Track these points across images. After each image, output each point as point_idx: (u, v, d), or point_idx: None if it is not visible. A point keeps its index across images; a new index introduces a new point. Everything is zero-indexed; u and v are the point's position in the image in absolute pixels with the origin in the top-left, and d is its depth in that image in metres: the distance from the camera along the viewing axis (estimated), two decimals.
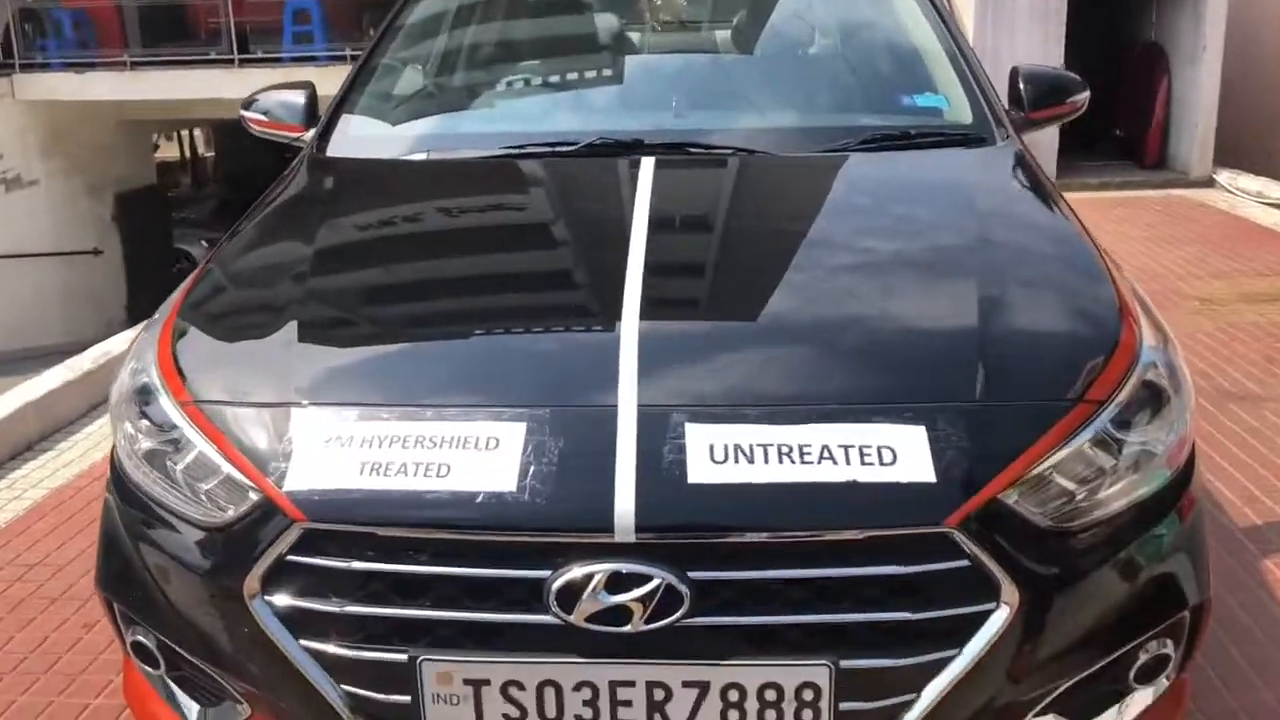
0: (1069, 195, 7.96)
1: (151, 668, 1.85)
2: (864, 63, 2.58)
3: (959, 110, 2.62)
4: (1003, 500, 1.57)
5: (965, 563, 1.54)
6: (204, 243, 14.20)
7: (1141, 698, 1.75)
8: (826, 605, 1.54)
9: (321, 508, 1.57)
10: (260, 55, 11.67)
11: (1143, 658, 1.72)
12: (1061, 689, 1.65)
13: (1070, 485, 1.63)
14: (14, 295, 11.78)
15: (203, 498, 1.71)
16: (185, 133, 21.04)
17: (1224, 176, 9.06)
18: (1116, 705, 1.74)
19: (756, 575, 1.53)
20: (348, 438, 1.63)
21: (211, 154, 21.49)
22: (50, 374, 4.43)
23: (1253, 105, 9.60)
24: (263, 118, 2.95)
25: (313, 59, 11.37)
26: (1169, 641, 1.74)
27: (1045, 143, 8.36)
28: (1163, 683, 1.77)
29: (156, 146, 19.88)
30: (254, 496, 1.64)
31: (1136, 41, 9.94)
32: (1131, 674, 1.72)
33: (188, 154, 21.56)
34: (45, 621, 2.80)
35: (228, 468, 1.68)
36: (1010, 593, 1.54)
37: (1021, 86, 2.79)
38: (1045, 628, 1.59)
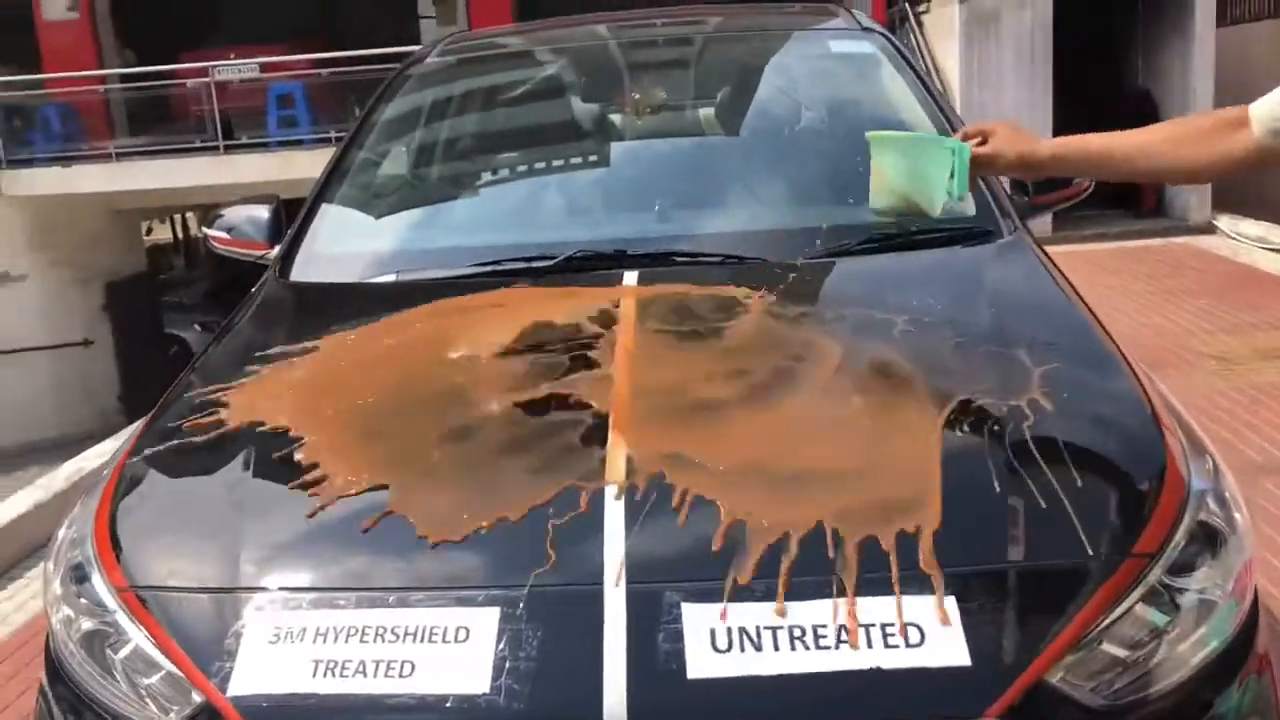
0: (1067, 248, 7.84)
1: None
2: (858, 150, 2.43)
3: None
4: (1048, 681, 1.37)
5: None
6: (197, 327, 14.07)
7: None
8: None
9: (271, 716, 1.38)
10: (245, 140, 11.65)
11: None
12: None
13: (1123, 654, 1.43)
14: (6, 391, 11.67)
15: (143, 695, 1.51)
16: (178, 215, 21.05)
17: (1224, 222, 8.95)
18: None
19: None
20: (299, 630, 1.44)
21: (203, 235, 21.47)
22: (20, 496, 4.24)
23: None
24: (226, 235, 2.78)
25: (298, 142, 11.35)
26: None
27: None
28: None
29: (150, 230, 19.88)
30: (197, 699, 1.44)
31: (1125, 88, 9.89)
32: None
33: (180, 235, 21.54)
34: None
35: (167, 665, 1.49)
36: None
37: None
38: None
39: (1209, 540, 1.56)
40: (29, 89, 12.55)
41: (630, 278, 2.16)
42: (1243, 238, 8.58)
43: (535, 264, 2.29)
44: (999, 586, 1.41)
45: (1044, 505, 1.52)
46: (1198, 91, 9.07)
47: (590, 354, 1.89)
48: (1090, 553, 1.46)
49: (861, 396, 1.73)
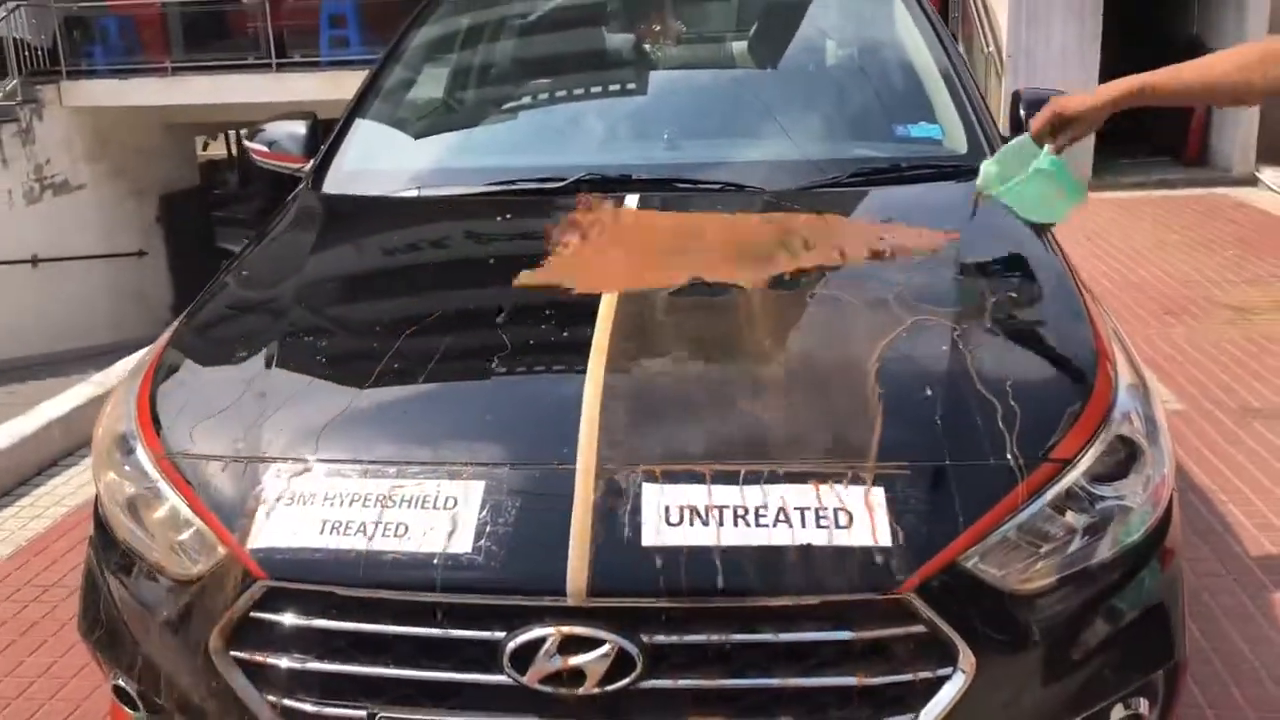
0: (1104, 195, 7.81)
1: (133, 710, 1.89)
2: (858, 88, 2.55)
3: (954, 140, 2.58)
4: (962, 564, 1.55)
5: (921, 628, 1.52)
6: (246, 240, 14.38)
7: None
8: (780, 669, 1.53)
9: (283, 566, 1.60)
10: (297, 59, 11.82)
11: (1115, 717, 1.69)
12: None
13: (1035, 546, 1.61)
14: (62, 297, 12.07)
15: (175, 550, 1.74)
16: (232, 131, 21.34)
17: (1268, 175, 8.84)
18: None
19: (709, 639, 1.53)
20: (310, 495, 1.66)
21: None
22: (76, 390, 4.52)
23: None
24: (265, 149, 2.99)
25: (349, 62, 11.49)
26: (1143, 701, 1.71)
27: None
28: None
29: (205, 145, 20.16)
30: (221, 552, 1.67)
31: (1178, 36, 9.72)
32: None
33: (234, 152, 21.86)
34: (54, 646, 2.87)
35: (197, 522, 1.71)
36: (967, 658, 1.53)
37: (1023, 112, 2.74)
38: (1006, 692, 1.57)
39: (1128, 453, 1.73)
40: (89, 1, 12.79)
41: (632, 200, 2.33)
42: None
43: (545, 185, 2.47)
44: (924, 480, 1.59)
45: (976, 412, 1.69)
46: (1251, 39, 8.90)
47: (582, 266, 2.07)
48: (1010, 455, 1.63)
49: (826, 309, 1.91)
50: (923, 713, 1.53)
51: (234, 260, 2.41)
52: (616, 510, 1.57)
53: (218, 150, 21.65)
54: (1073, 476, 1.65)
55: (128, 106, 12.16)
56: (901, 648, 1.54)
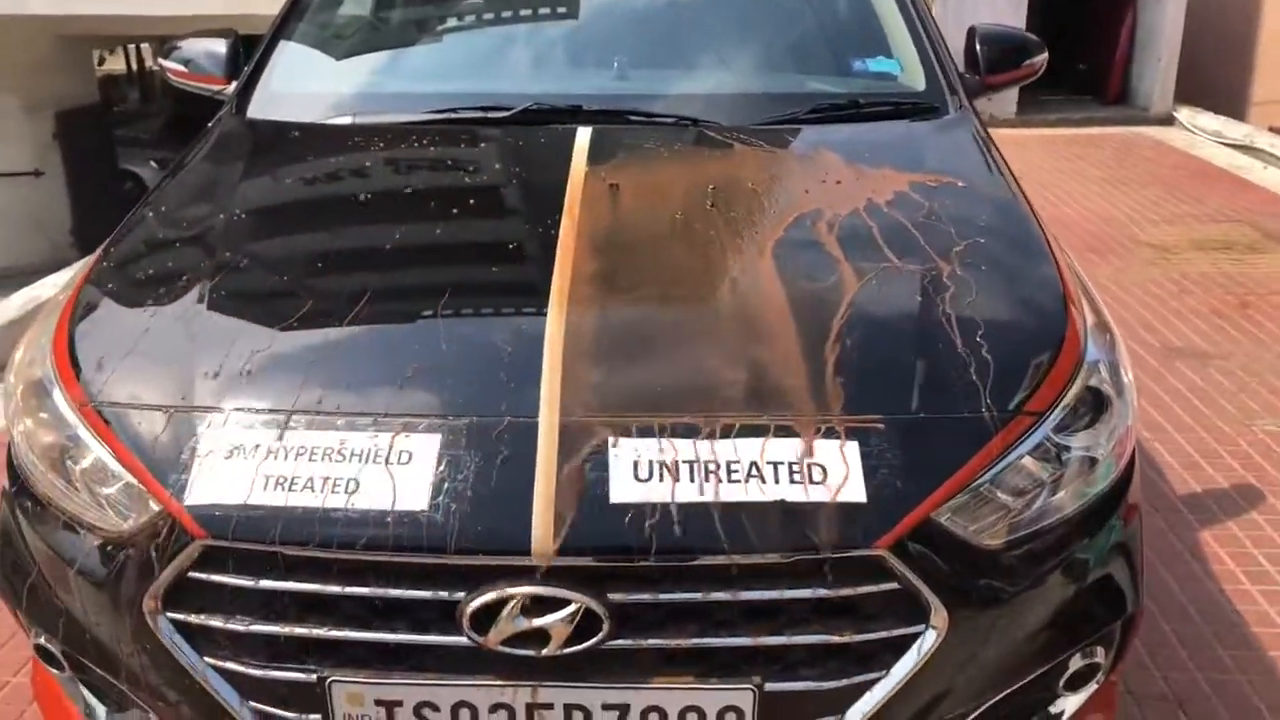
0: (1028, 132, 7.91)
1: (57, 670, 1.78)
2: (814, 18, 2.46)
3: (912, 75, 2.52)
4: (935, 519, 1.52)
5: (894, 585, 1.49)
6: (153, 163, 13.74)
7: (1070, 703, 1.74)
8: (751, 627, 1.49)
9: (223, 525, 1.50)
10: None
11: (1073, 667, 1.70)
12: (990, 703, 1.62)
13: (1007, 500, 1.59)
14: None
15: (103, 504, 1.62)
16: (132, 45, 20.28)
17: (1184, 114, 9.02)
18: (1043, 712, 1.72)
19: (679, 598, 1.48)
20: (252, 447, 1.55)
21: (159, 67, 20.71)
22: None
23: (1215, 38, 9.51)
24: (182, 68, 2.79)
25: None
26: (1099, 649, 1.72)
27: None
28: (1091, 687, 1.75)
29: (102, 60, 19.14)
30: (154, 507, 1.56)
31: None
32: (1061, 683, 1.71)
33: (134, 68, 20.81)
34: None
35: (126, 475, 1.59)
36: (940, 615, 1.50)
37: (979, 48, 2.69)
38: (975, 646, 1.55)
39: (1097, 405, 1.71)
40: None
41: (583, 134, 2.22)
42: (1200, 131, 8.67)
43: (490, 114, 2.34)
44: (897, 434, 1.55)
45: (948, 364, 1.65)
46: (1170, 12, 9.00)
47: (540, 202, 1.97)
48: (984, 408, 1.59)
49: (791, 255, 1.84)
50: (894, 669, 1.51)
51: (153, 190, 2.24)
52: (582, 465, 1.50)
53: (116, 65, 20.60)
54: (1044, 430, 1.62)
55: (17, 15, 11.41)
56: (872, 604, 1.51)
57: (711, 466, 1.50)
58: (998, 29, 2.79)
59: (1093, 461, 1.67)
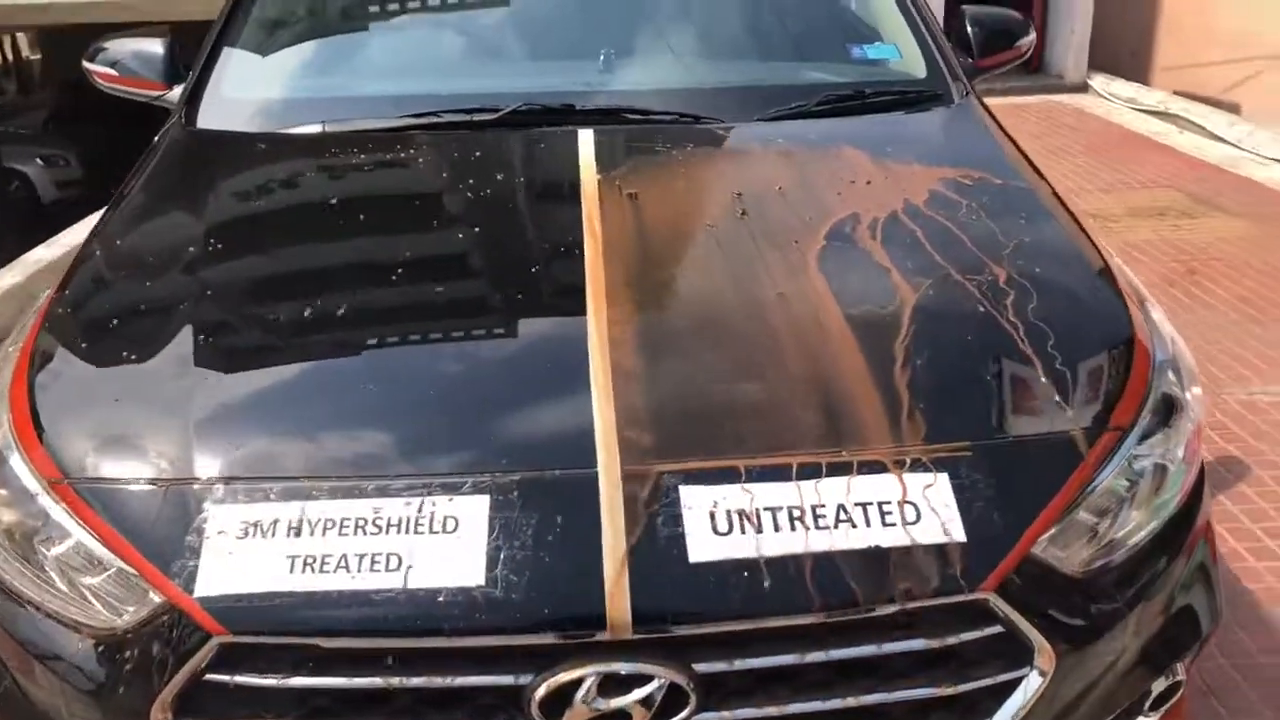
0: None
1: None
2: (808, 4, 2.32)
3: (911, 62, 2.39)
4: (1035, 553, 1.40)
5: (999, 629, 1.37)
6: (39, 160, 12.94)
7: None
8: (847, 685, 1.36)
9: (246, 618, 1.29)
10: None
11: (1157, 689, 1.61)
12: None
13: (1092, 521, 1.48)
14: None
15: (87, 596, 1.40)
16: (6, 35, 19.13)
17: (1098, 82, 9.14)
18: None
19: (770, 663, 1.33)
20: (270, 523, 1.35)
21: (39, 56, 19.57)
22: None
23: (1123, 4, 9.66)
24: (112, 72, 2.51)
25: None
26: (1179, 666, 1.64)
27: None
28: (1172, 702, 1.67)
29: None
30: (156, 600, 1.34)
31: None
32: (1147, 705, 1.61)
33: (9, 57, 19.65)
34: None
35: (117, 562, 1.38)
36: (1044, 655, 1.39)
37: (970, 30, 2.58)
38: (1078, 683, 1.45)
39: (1167, 409, 1.61)
40: None
41: (586, 138, 2.03)
42: (1115, 98, 8.79)
43: (475, 119, 2.14)
44: (988, 462, 1.43)
45: (1025, 378, 1.54)
46: None
47: (556, 220, 1.79)
48: (1071, 425, 1.48)
49: (837, 271, 1.69)
50: (997, 717, 1.40)
51: (104, 219, 1.97)
52: (653, 521, 1.34)
53: None
54: (1129, 444, 1.52)
55: None
56: (973, 650, 1.39)
57: (796, 513, 1.35)
58: (988, 11, 2.68)
59: (1164, 470, 1.58)
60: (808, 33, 2.30)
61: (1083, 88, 9.17)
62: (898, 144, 2.10)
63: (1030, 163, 2.14)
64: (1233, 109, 7.88)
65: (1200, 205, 5.89)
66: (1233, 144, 7.10)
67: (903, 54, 2.40)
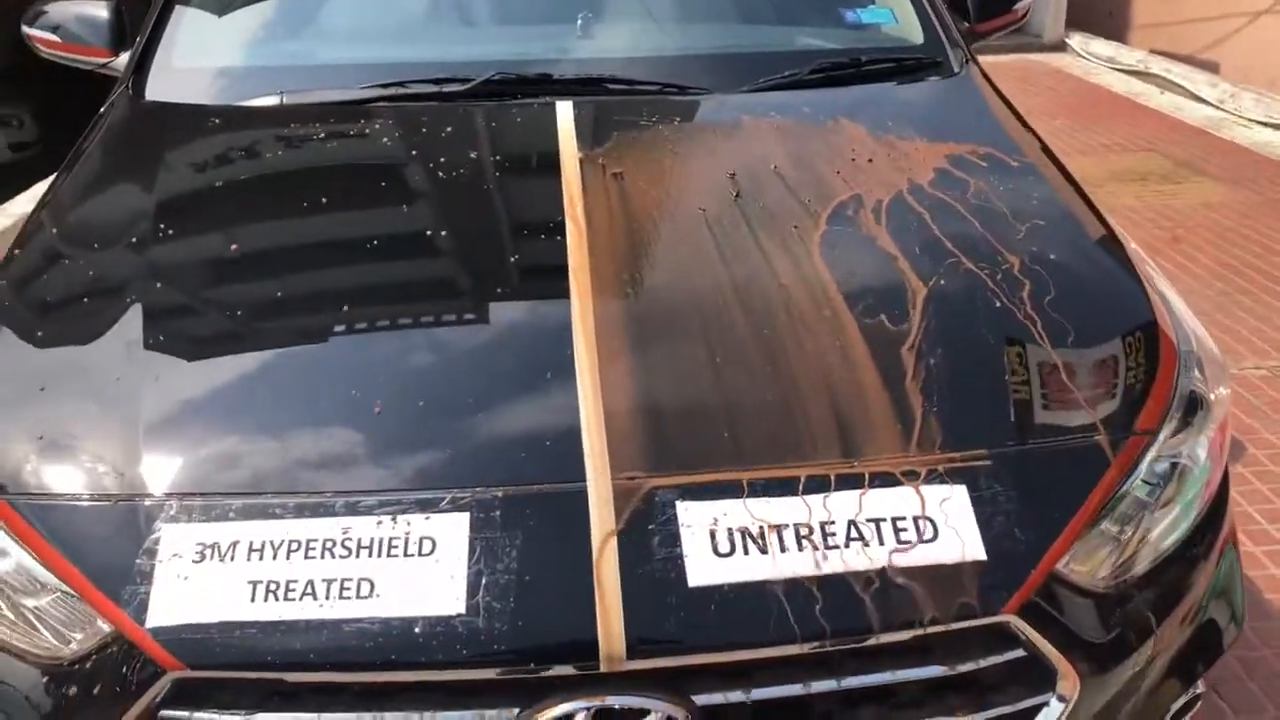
0: None
1: None
2: None
3: (907, 27, 2.26)
4: (1058, 570, 1.30)
5: (1020, 652, 1.27)
6: None
7: None
8: (855, 717, 1.26)
9: (203, 651, 1.18)
10: None
11: (1181, 701, 1.52)
12: None
13: (1116, 531, 1.38)
14: None
15: (32, 621, 1.28)
16: None
17: (1076, 40, 9.02)
18: None
19: (776, 694, 1.23)
20: (229, 545, 1.23)
21: None
22: None
23: None
24: (53, 37, 2.34)
25: None
26: (1200, 682, 1.55)
27: None
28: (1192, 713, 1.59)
29: None
30: (105, 628, 1.23)
31: None
32: (1169, 718, 1.53)
33: None
34: None
35: (60, 585, 1.25)
36: (1068, 679, 1.30)
37: None
38: (1100, 707, 1.35)
39: (1192, 407, 1.51)
40: None
41: (564, 111, 1.89)
42: (1093, 57, 8.69)
43: (445, 90, 1.99)
44: (1007, 472, 1.32)
45: (1044, 378, 1.43)
46: None
47: (534, 202, 1.65)
48: (1095, 430, 1.38)
49: (840, 260, 1.57)
50: None
51: (45, 199, 1.82)
52: (649, 540, 1.23)
53: None
54: (1156, 448, 1.42)
55: None
56: (992, 675, 1.29)
57: (803, 531, 1.25)
58: None
59: (1187, 470, 1.48)
60: (806, 3, 2.16)
61: (1060, 46, 9.05)
62: (898, 117, 1.97)
63: (1038, 137, 2.02)
64: (1212, 67, 7.80)
65: (1183, 169, 5.81)
66: (1214, 105, 7.01)
67: (898, 18, 2.27)
